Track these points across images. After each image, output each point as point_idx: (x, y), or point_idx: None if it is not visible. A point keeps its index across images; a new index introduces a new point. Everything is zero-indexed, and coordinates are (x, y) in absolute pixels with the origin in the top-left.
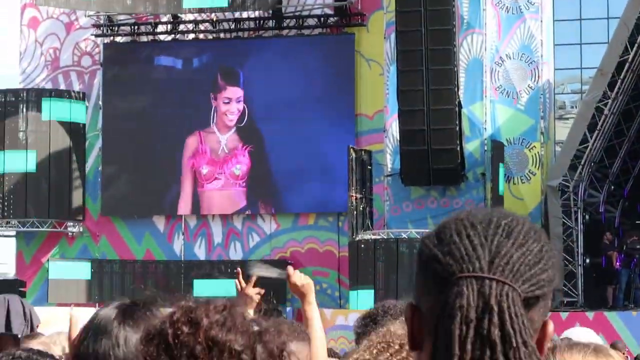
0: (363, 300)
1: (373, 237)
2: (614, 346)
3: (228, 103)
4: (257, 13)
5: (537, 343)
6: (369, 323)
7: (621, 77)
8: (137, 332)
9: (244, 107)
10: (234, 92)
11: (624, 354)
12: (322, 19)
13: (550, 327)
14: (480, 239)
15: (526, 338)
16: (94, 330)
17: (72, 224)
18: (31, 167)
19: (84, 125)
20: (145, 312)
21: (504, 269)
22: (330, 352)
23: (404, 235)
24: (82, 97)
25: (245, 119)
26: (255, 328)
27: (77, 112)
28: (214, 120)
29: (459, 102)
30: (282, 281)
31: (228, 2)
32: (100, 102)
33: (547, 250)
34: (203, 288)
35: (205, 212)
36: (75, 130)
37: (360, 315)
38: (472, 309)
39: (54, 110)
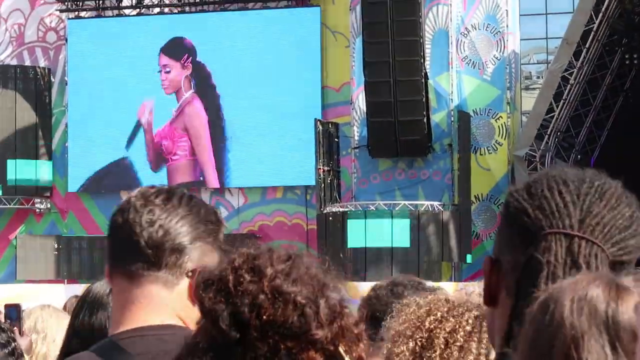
0: None
1: (341, 209)
2: None
3: (191, 77)
4: None
5: None
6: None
7: (586, 46)
8: None
9: (212, 83)
10: (197, 67)
11: None
12: None
13: None
14: (572, 197)
15: None
16: (89, 304)
17: (39, 200)
18: None
19: (50, 100)
20: None
21: (594, 229)
22: None
23: (372, 208)
24: (48, 73)
25: (213, 94)
26: (319, 281)
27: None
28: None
29: (425, 74)
30: None
31: None
32: (66, 78)
33: (638, 217)
34: None
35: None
36: (41, 106)
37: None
38: (560, 265)
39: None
